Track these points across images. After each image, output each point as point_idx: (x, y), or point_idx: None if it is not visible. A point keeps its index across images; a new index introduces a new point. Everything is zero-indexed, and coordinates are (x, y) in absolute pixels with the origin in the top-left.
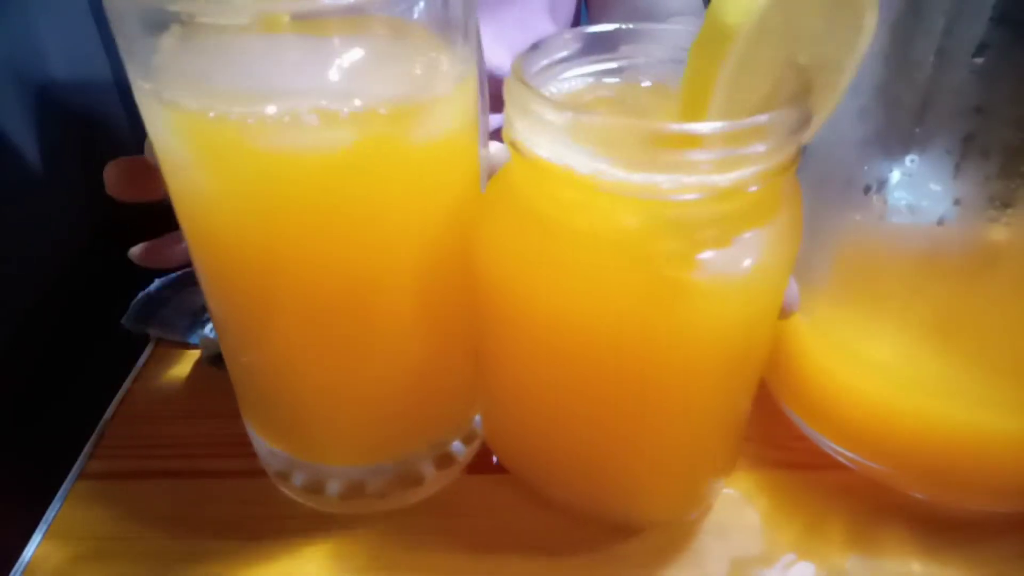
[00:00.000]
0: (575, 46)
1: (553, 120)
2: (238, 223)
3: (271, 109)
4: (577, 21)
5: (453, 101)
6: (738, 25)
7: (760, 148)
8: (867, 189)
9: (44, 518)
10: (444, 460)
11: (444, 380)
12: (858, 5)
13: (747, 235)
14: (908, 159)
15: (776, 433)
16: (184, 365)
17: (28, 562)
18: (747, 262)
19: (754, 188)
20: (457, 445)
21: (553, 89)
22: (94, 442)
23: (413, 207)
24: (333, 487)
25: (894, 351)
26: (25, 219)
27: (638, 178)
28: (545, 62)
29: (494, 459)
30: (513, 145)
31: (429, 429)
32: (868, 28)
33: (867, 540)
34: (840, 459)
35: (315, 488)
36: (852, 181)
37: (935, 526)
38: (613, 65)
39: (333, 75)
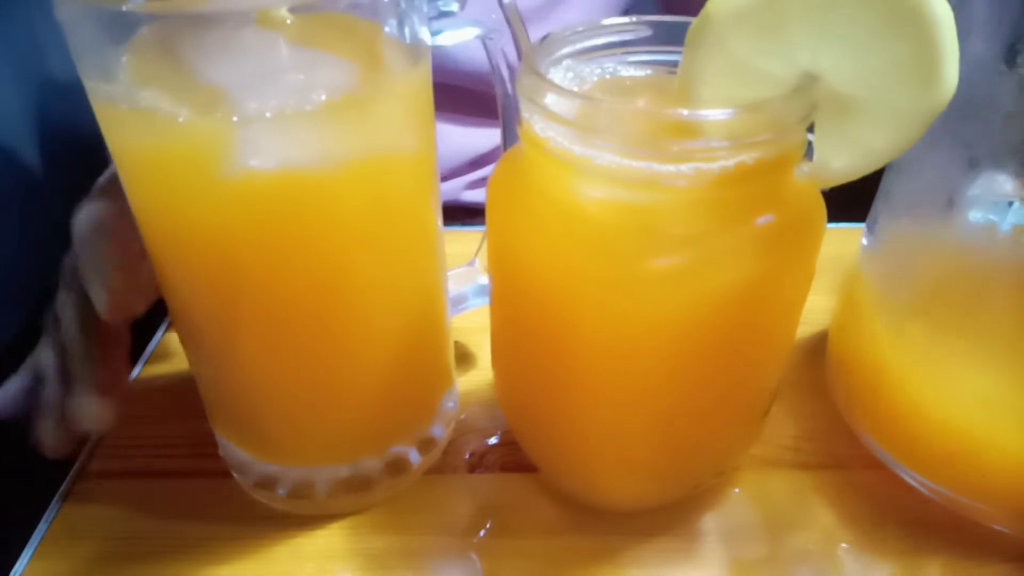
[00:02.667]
0: (590, 37)
1: (550, 103)
2: (204, 229)
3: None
4: None
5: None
6: (716, 12)
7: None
8: (963, 207)
9: (44, 517)
10: (397, 467)
11: (403, 389)
12: (928, 56)
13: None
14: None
15: (781, 432)
16: (185, 364)
17: (27, 564)
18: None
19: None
20: (414, 454)
21: (569, 76)
22: (94, 442)
23: (373, 212)
24: (284, 486)
25: (996, 384)
26: (25, 219)
27: (635, 162)
28: (562, 51)
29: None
30: (522, 126)
31: (384, 436)
32: (944, 84)
33: (871, 540)
34: (924, 491)
35: (267, 485)
36: (952, 201)
37: (935, 525)
38: (631, 56)
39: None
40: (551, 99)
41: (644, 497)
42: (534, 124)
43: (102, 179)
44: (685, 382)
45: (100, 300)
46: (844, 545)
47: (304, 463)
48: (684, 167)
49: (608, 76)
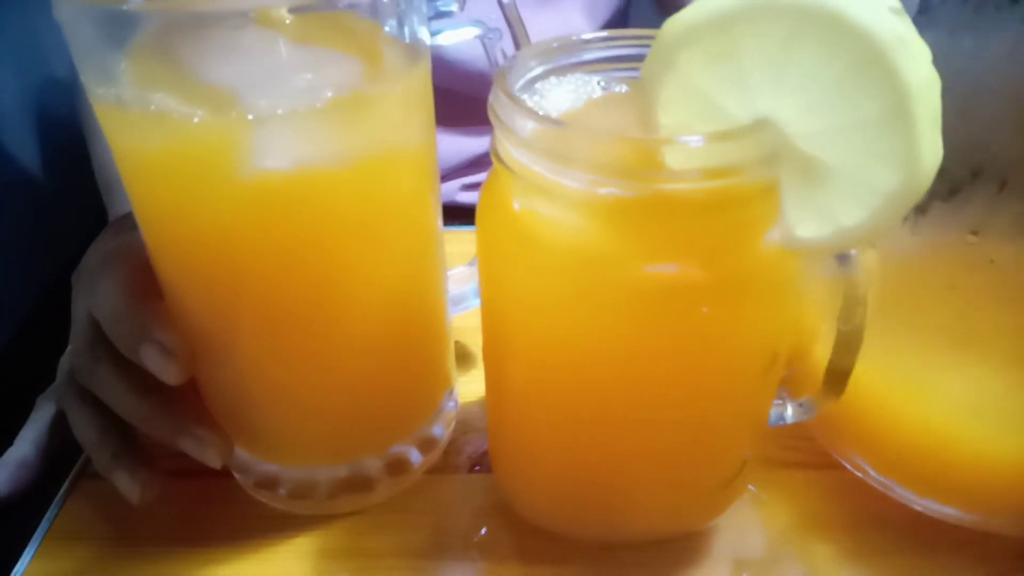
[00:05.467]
0: (563, 54)
1: (519, 127)
2: (214, 230)
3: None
4: (624, 21)
5: (400, 94)
6: (667, 30)
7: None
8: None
9: (46, 517)
10: (398, 467)
11: (403, 389)
12: (899, 127)
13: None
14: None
15: (781, 432)
16: None
17: (28, 564)
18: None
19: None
20: (414, 454)
21: (550, 96)
22: None
23: (378, 210)
24: (284, 486)
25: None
26: (25, 219)
27: (602, 189)
28: (535, 69)
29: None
30: (495, 153)
31: (384, 436)
32: (920, 162)
33: (871, 540)
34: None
35: (267, 485)
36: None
37: (939, 528)
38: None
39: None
40: (515, 120)
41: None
42: (501, 146)
43: (104, 247)
44: (631, 421)
45: (167, 370)
46: (843, 545)
47: (305, 463)
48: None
49: (602, 90)
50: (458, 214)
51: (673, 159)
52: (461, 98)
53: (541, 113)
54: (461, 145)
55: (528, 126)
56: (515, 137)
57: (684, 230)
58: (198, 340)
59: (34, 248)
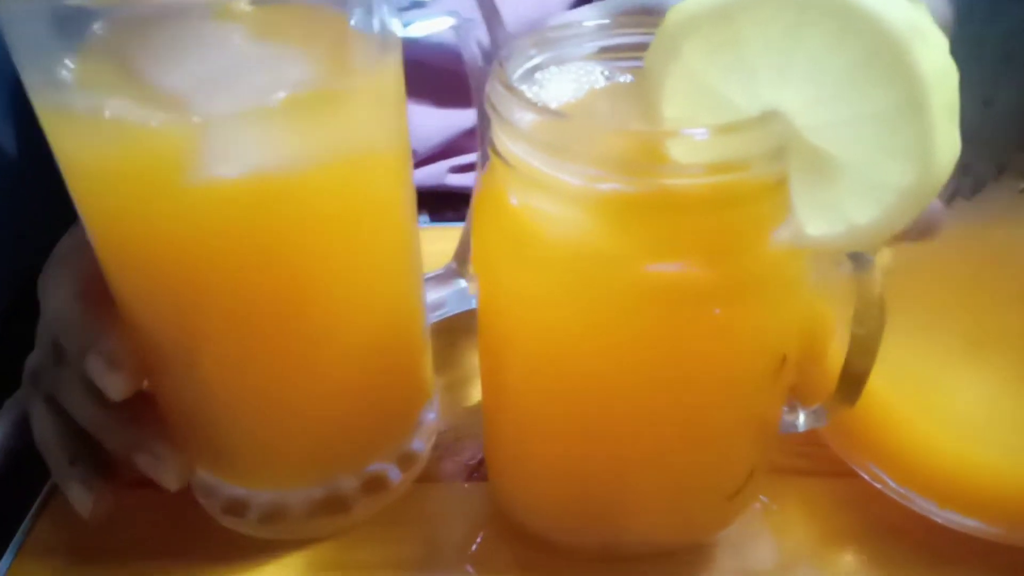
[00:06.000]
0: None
1: (516, 119)
2: (167, 238)
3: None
4: None
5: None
6: (671, 19)
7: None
8: None
9: (20, 530)
10: (376, 485)
11: (378, 403)
12: (912, 121)
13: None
14: None
15: (793, 439)
16: None
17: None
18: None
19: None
20: (393, 471)
21: (550, 86)
22: None
23: (345, 216)
24: (253, 511)
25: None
26: (20, 218)
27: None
28: (535, 58)
29: None
30: (492, 146)
31: (361, 453)
32: (934, 158)
33: (889, 553)
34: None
35: (235, 510)
36: None
37: (960, 540)
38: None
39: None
40: (513, 112)
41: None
42: (498, 138)
43: (62, 245)
44: (632, 422)
45: (110, 383)
46: (859, 558)
47: (275, 486)
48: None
49: (605, 80)
50: (449, 200)
51: (678, 153)
52: (444, 71)
53: (540, 104)
54: (448, 120)
55: (527, 118)
56: (513, 129)
57: (689, 228)
58: (152, 353)
59: (27, 248)
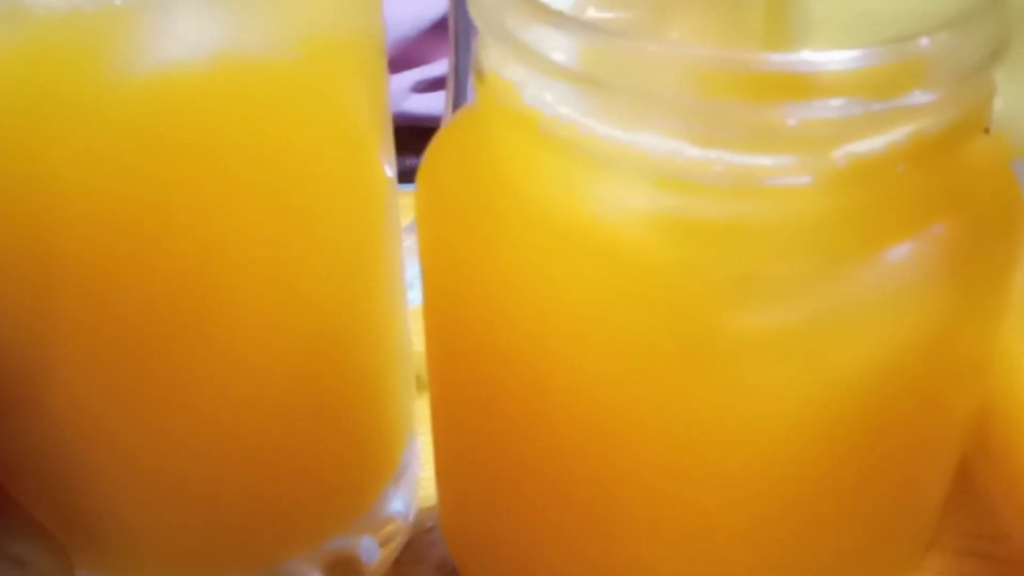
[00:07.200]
0: None
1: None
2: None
3: None
4: None
5: None
6: None
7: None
8: None
9: None
10: (343, 569)
11: (338, 448)
12: None
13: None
14: None
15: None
16: None
17: None
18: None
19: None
20: (366, 546)
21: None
22: None
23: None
24: None
25: None
26: None
27: (674, 146)
28: None
29: None
30: (481, 79)
31: (315, 526)
32: None
33: None
34: None
35: None
36: None
37: None
38: None
39: None
40: (539, 33)
41: None
42: (506, 77)
43: None
44: (793, 519)
45: None
46: None
47: None
48: (784, 158)
49: None
50: (410, 137)
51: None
52: None
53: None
54: (415, 8)
55: (569, 44)
56: (542, 62)
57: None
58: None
59: None
